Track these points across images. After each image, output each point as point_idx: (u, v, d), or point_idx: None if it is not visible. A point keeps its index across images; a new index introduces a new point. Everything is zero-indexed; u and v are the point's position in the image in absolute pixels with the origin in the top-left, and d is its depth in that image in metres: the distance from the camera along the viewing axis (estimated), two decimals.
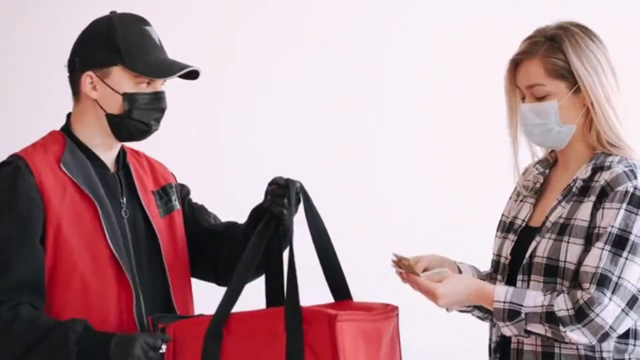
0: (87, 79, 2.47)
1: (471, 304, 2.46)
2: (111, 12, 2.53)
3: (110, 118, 2.48)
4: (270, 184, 2.43)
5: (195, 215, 2.66)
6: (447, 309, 2.57)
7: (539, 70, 2.41)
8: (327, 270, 2.39)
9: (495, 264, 2.54)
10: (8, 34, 3.97)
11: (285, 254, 2.32)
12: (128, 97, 2.46)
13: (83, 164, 2.47)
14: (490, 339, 2.53)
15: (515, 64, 2.46)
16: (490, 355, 2.54)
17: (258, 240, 2.35)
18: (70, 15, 3.93)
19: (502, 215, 2.59)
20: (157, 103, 2.49)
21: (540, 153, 2.58)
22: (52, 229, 2.40)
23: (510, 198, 2.61)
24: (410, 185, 4.19)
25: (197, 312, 2.62)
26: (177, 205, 2.61)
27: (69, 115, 2.56)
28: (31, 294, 2.38)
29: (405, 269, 2.42)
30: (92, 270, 2.42)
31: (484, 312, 2.56)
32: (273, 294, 2.42)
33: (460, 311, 2.59)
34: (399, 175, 4.19)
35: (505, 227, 2.54)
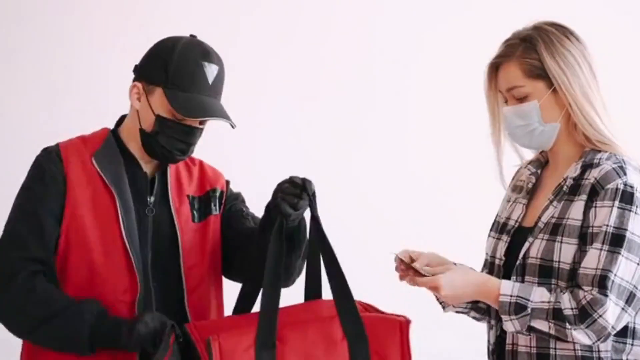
0: (135, 88, 2.53)
1: (473, 298, 2.43)
2: (190, 36, 2.55)
3: (142, 133, 2.53)
4: (282, 183, 2.42)
5: (230, 219, 2.66)
6: (443, 308, 2.57)
7: (516, 72, 2.42)
8: (333, 282, 2.33)
9: (490, 265, 2.53)
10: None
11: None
12: (159, 120, 2.49)
13: (115, 161, 2.53)
14: (489, 341, 2.53)
15: (495, 68, 2.47)
16: (488, 357, 2.53)
17: (276, 244, 2.31)
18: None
19: (497, 215, 2.59)
20: (185, 136, 2.51)
21: (528, 154, 2.58)
22: (69, 211, 2.47)
23: (504, 198, 2.61)
24: (404, 185, 4.20)
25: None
26: (214, 210, 2.63)
27: (123, 116, 2.62)
28: (44, 268, 2.45)
29: (406, 267, 2.42)
30: (102, 258, 2.47)
31: (481, 313, 2.56)
32: (311, 290, 2.39)
33: (457, 312, 2.59)
34: (392, 175, 4.20)
35: (499, 228, 2.54)
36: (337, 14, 4.20)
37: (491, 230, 2.58)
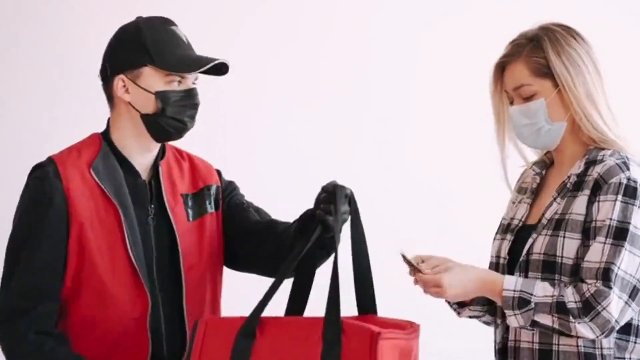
0: (119, 82, 2.50)
1: (477, 294, 2.44)
2: (137, 18, 2.56)
3: (145, 118, 2.50)
4: (320, 192, 2.38)
5: (232, 214, 2.64)
6: (458, 314, 2.57)
7: (523, 71, 2.42)
8: (358, 281, 2.33)
9: (495, 265, 2.52)
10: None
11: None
12: (161, 95, 2.48)
13: (113, 170, 2.50)
14: (495, 341, 2.52)
15: (501, 68, 2.47)
16: (495, 356, 2.52)
17: (301, 245, 2.31)
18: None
19: (502, 218, 2.58)
20: (189, 99, 2.50)
21: (531, 156, 2.57)
22: (75, 231, 2.44)
23: (510, 200, 2.60)
24: (404, 186, 4.19)
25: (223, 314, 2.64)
26: (210, 208, 2.60)
27: (109, 120, 2.58)
28: (42, 300, 2.43)
29: (410, 267, 2.41)
30: (110, 275, 2.45)
31: (493, 315, 2.54)
32: (296, 299, 2.35)
33: (471, 317, 2.58)
34: (392, 176, 4.19)
35: (504, 229, 2.53)
36: (337, 14, 4.20)
37: (497, 233, 2.57)
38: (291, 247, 2.42)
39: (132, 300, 2.46)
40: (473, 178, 4.08)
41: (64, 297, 2.46)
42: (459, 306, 2.56)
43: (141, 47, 2.48)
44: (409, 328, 2.25)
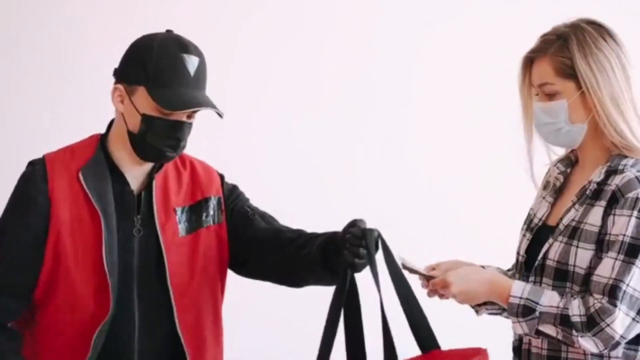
0: (117, 91, 2.48)
1: (486, 298, 2.41)
2: (167, 31, 2.52)
3: (130, 135, 2.48)
4: (345, 233, 2.35)
5: (238, 223, 2.62)
6: (476, 312, 2.56)
7: (548, 69, 2.40)
8: (411, 319, 2.29)
9: (516, 261, 2.53)
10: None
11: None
12: (146, 119, 2.45)
13: (102, 177, 2.49)
14: (513, 337, 2.52)
15: (529, 62, 2.44)
16: (514, 353, 2.52)
17: (337, 299, 2.26)
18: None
19: (530, 208, 2.57)
20: (173, 132, 2.46)
21: (559, 151, 2.55)
22: (54, 233, 2.44)
23: (537, 194, 2.58)
24: (406, 188, 4.19)
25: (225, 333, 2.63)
26: (206, 222, 2.58)
27: (112, 121, 2.57)
28: (7, 297, 2.45)
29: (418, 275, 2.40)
30: (83, 281, 2.44)
31: (498, 307, 2.53)
32: (353, 351, 2.32)
33: (490, 314, 2.57)
34: (395, 177, 4.19)
35: (528, 225, 2.52)
36: (339, 14, 4.19)
37: (524, 224, 2.56)
38: (311, 267, 2.45)
39: (93, 309, 2.45)
40: (475, 178, 4.08)
41: (35, 300, 2.46)
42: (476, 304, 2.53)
43: (144, 67, 2.44)
44: (476, 357, 2.24)
